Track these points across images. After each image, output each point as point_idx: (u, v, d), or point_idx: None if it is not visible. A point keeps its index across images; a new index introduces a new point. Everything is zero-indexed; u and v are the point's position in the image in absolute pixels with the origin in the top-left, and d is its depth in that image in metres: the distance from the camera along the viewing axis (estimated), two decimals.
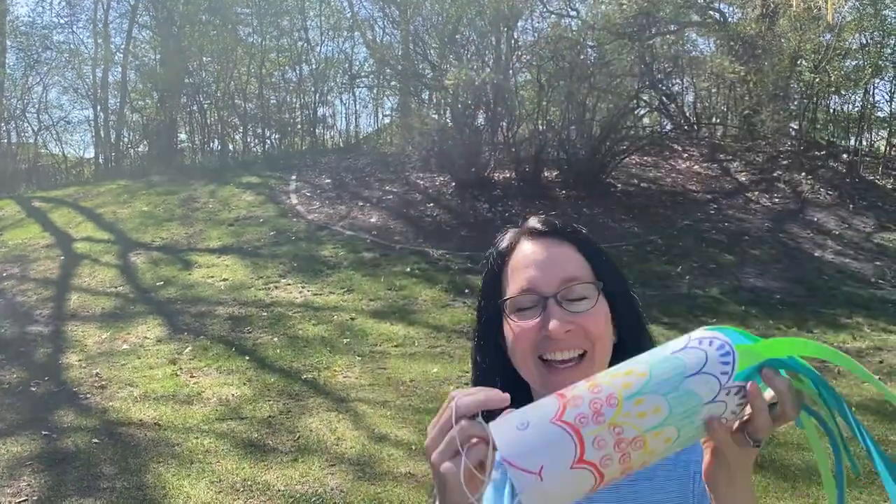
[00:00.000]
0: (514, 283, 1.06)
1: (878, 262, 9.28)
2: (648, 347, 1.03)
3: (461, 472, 0.76)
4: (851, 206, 10.82)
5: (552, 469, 0.71)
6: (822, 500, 3.93)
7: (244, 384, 5.73)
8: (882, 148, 12.92)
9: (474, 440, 0.77)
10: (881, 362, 6.34)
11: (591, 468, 0.72)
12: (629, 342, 1.08)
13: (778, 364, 0.78)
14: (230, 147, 15.73)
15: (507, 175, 11.07)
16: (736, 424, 0.82)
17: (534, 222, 1.12)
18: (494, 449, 0.75)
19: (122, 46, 16.33)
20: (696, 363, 0.76)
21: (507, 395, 0.80)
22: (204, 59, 15.66)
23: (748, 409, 0.80)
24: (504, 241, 1.13)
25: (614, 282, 1.10)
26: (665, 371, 0.76)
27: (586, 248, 1.11)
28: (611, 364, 1.02)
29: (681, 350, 0.78)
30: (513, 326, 1.05)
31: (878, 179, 11.85)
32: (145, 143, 16.46)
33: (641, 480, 1.05)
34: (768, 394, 0.79)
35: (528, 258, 1.07)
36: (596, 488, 0.74)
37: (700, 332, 0.80)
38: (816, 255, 9.43)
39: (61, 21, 16.70)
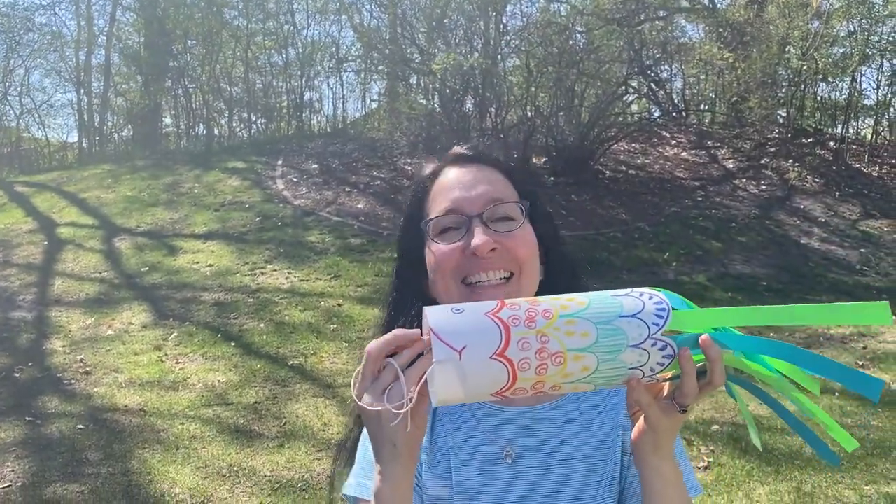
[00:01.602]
0: (438, 205, 1.02)
1: (862, 250, 9.35)
2: (575, 282, 1.05)
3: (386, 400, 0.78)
4: (837, 193, 10.88)
5: (473, 352, 0.73)
6: (805, 484, 3.96)
7: (230, 370, 5.70)
8: (868, 136, 12.98)
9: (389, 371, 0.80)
10: (864, 348, 6.38)
11: (508, 365, 0.73)
12: (555, 276, 1.06)
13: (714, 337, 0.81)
14: (216, 131, 15.59)
15: None
16: (666, 391, 0.84)
17: (459, 148, 1.09)
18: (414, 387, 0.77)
19: (106, 29, 16.14)
20: (633, 308, 0.79)
21: (415, 331, 0.82)
22: (189, 42, 15.48)
23: (667, 375, 0.83)
24: (428, 168, 1.10)
25: (539, 210, 1.06)
26: (602, 306, 0.78)
27: (511, 173, 1.07)
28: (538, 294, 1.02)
29: (622, 296, 0.81)
30: (435, 249, 1.00)
31: (864, 167, 11.91)
32: (129, 127, 16.28)
33: (567, 423, 1.03)
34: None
35: (453, 181, 1.04)
36: (505, 391, 0.75)
37: (643, 288, 0.83)
38: (802, 242, 9.49)
39: (43, 3, 16.42)
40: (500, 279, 0.97)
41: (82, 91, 16.04)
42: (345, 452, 1.10)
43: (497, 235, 0.97)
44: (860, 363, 6.00)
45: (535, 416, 1.04)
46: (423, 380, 0.77)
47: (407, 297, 1.07)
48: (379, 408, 0.78)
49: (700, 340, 0.80)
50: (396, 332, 0.81)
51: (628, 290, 0.82)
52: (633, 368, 0.78)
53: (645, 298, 0.80)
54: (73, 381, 5.53)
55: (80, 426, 4.77)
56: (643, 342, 0.77)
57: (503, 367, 0.74)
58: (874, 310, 0.73)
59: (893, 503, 3.75)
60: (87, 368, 5.76)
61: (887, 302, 0.72)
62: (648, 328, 0.78)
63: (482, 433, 1.04)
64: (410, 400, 0.77)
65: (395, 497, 0.85)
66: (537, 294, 1.02)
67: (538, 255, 1.03)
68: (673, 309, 0.80)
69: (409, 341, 0.81)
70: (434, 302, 1.02)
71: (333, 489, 1.14)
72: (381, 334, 1.06)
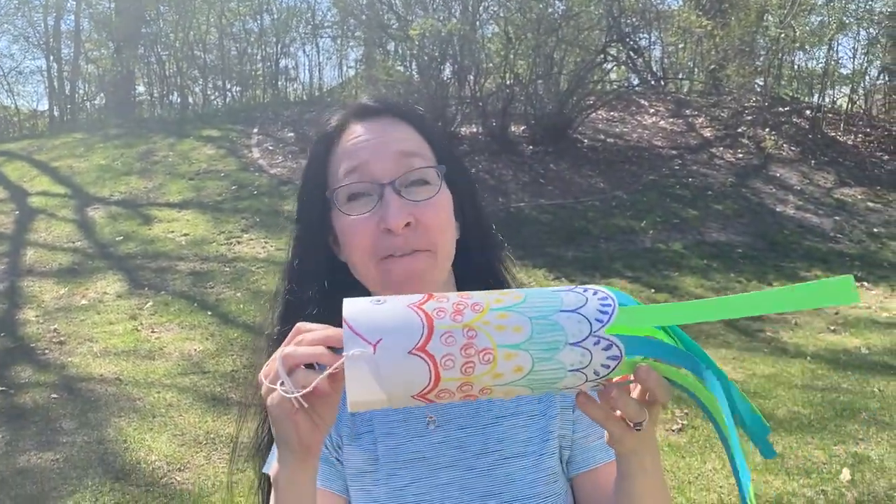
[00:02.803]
0: (345, 169, 0.92)
1: (837, 217, 9.46)
2: (492, 242, 1.01)
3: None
4: (813, 161, 10.97)
5: (389, 346, 0.65)
6: (776, 445, 4.03)
7: (207, 339, 5.67)
8: (844, 105, 13.06)
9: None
10: (837, 314, 6.49)
11: (430, 362, 0.65)
12: (472, 238, 1.00)
13: (653, 349, 0.71)
14: (190, 99, 15.33)
15: (474, 130, 10.98)
16: (618, 412, 0.76)
17: (365, 99, 0.98)
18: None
19: None
20: (574, 303, 0.70)
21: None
22: (161, 7, 15.13)
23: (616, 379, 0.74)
24: (332, 122, 0.98)
25: (456, 167, 0.98)
26: (540, 300, 0.70)
27: (426, 128, 0.97)
28: (456, 260, 0.98)
29: (563, 291, 0.72)
30: (346, 222, 0.92)
31: (840, 136, 12.01)
32: (102, 95, 15.95)
33: (508, 417, 0.97)
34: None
35: (360, 140, 0.93)
36: (427, 393, 0.67)
37: (590, 285, 0.74)
38: (778, 210, 9.57)
39: None
40: (416, 251, 0.92)
41: (52, 58, 15.66)
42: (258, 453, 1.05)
43: (411, 206, 0.90)
44: (832, 328, 6.11)
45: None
46: (328, 374, 0.70)
47: (308, 268, 0.99)
48: (271, 395, 0.72)
49: (636, 374, 0.72)
50: (325, 330, 0.73)
51: (572, 286, 0.73)
52: (573, 370, 0.69)
53: (589, 294, 0.71)
54: (46, 351, 5.48)
55: (55, 395, 4.73)
56: (584, 340, 0.68)
57: (423, 364, 0.65)
58: (839, 286, 0.63)
59: (861, 462, 3.84)
60: (61, 338, 5.70)
61: (851, 276, 0.64)
62: (590, 324, 0.69)
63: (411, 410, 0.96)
64: (302, 389, 0.70)
65: (292, 486, 0.78)
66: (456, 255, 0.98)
67: (454, 224, 0.96)
68: (620, 305, 0.71)
69: (335, 341, 0.71)
70: (342, 268, 0.97)
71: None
72: (279, 311, 1.00)
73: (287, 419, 0.72)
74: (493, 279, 1.04)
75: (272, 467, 0.81)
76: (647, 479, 0.83)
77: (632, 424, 0.76)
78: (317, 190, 0.96)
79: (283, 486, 0.78)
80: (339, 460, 0.98)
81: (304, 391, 0.69)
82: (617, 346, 0.69)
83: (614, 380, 0.74)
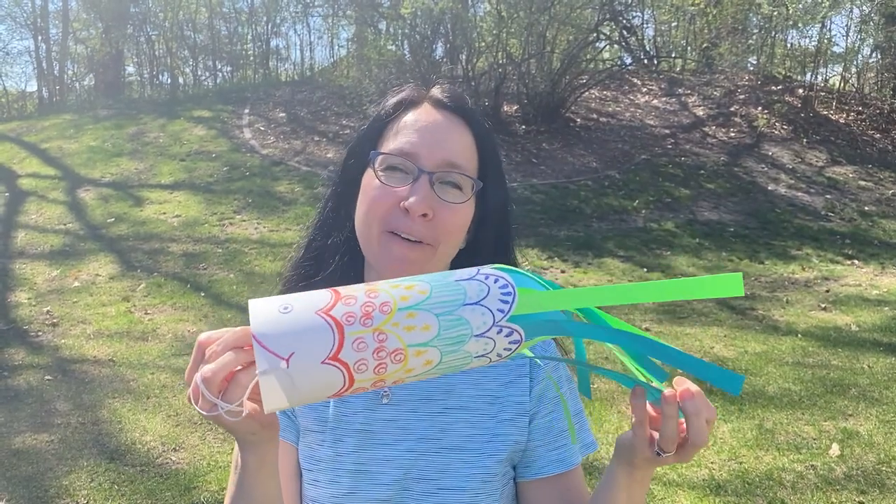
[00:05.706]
0: (396, 142, 0.96)
1: (828, 196, 9.49)
2: (504, 261, 1.00)
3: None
4: (805, 140, 10.98)
5: (302, 358, 0.66)
6: (767, 421, 4.07)
7: (200, 320, 5.67)
8: (836, 83, 13.05)
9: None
10: (828, 291, 6.53)
11: (343, 369, 0.67)
12: (484, 251, 1.02)
13: (554, 329, 0.75)
14: (180, 80, 15.21)
15: None
16: (653, 433, 0.81)
17: (439, 92, 1.01)
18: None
19: None
20: (477, 295, 0.73)
21: (246, 333, 0.70)
22: None
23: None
24: (403, 92, 1.03)
25: (496, 184, 1.01)
26: (445, 294, 0.72)
27: (483, 139, 1.00)
28: (453, 265, 1.00)
29: (465, 280, 0.75)
30: (374, 185, 0.95)
31: (832, 114, 12.01)
32: (91, 75, 15.81)
33: (458, 411, 1.01)
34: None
35: (420, 123, 0.97)
36: (341, 394, 0.70)
37: (489, 269, 0.77)
38: (770, 188, 9.59)
39: None
40: (418, 241, 0.94)
41: (40, 38, 15.50)
42: None
43: (437, 202, 0.93)
44: (822, 306, 6.15)
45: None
46: (249, 390, 0.71)
47: (338, 219, 1.04)
48: (214, 413, 0.71)
49: (664, 396, 0.76)
50: (227, 336, 0.72)
51: (473, 272, 0.76)
52: (478, 357, 0.73)
53: (490, 282, 0.74)
54: (39, 333, 5.47)
55: (49, 377, 4.73)
56: (488, 331, 0.72)
57: (337, 372, 0.67)
58: (728, 281, 0.69)
59: (850, 437, 3.88)
60: (54, 320, 5.69)
61: (741, 273, 0.70)
62: (493, 315, 0.72)
63: None
64: (241, 405, 0.71)
65: (264, 466, 0.81)
66: (457, 257, 1.00)
67: (465, 233, 0.99)
68: (518, 288, 0.74)
69: (240, 343, 0.72)
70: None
71: None
72: (301, 256, 1.07)
73: (241, 423, 0.74)
74: None
75: (234, 452, 0.83)
76: (622, 493, 0.88)
77: (656, 447, 0.79)
78: (368, 144, 1.00)
79: (254, 469, 0.81)
80: (293, 414, 1.03)
81: (239, 402, 0.70)
82: (517, 332, 0.73)
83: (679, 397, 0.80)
